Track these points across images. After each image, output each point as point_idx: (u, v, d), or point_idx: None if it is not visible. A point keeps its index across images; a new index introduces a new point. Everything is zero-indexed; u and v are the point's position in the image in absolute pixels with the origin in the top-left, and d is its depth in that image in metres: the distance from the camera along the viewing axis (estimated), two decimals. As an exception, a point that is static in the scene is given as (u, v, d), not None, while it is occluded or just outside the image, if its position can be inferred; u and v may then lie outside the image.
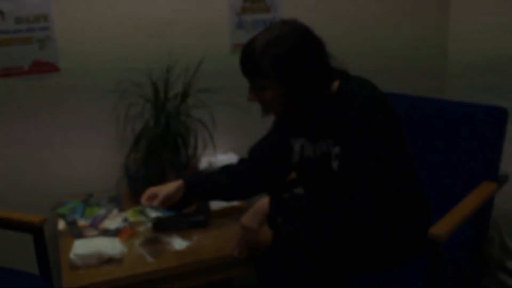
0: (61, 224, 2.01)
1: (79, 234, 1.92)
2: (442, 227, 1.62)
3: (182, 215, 2.01)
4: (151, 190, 1.81)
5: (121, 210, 2.10)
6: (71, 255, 1.74)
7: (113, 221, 2.01)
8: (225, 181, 1.84)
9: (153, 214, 1.84)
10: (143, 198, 1.80)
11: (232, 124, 2.39)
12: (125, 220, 2.02)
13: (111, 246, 1.78)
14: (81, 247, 1.77)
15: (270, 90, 1.59)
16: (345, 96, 1.62)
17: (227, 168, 1.90)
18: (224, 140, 2.36)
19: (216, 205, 2.10)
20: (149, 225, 1.97)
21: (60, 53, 2.13)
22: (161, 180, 2.16)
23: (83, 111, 2.22)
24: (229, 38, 2.30)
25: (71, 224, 2.00)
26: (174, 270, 1.76)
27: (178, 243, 1.86)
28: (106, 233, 1.92)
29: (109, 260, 1.75)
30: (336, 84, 1.65)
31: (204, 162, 2.29)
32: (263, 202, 1.67)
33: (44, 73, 2.14)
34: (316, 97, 1.62)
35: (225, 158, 2.35)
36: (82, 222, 2.01)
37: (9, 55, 2.08)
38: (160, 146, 2.08)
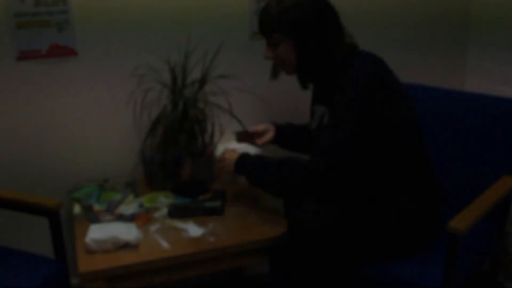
0: (77, 209, 2.01)
1: (95, 218, 1.92)
2: (461, 221, 1.60)
3: (198, 202, 2.01)
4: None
5: (137, 195, 2.10)
6: (87, 239, 1.74)
7: (129, 207, 2.01)
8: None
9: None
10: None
11: (249, 111, 2.37)
12: (141, 205, 2.02)
13: (127, 232, 1.78)
14: (97, 232, 1.77)
15: (283, 44, 1.68)
16: (346, 67, 1.66)
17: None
18: (241, 127, 2.35)
19: (232, 192, 2.10)
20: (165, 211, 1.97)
21: (78, 37, 2.12)
22: (177, 166, 2.17)
23: (100, 96, 2.22)
24: (249, 24, 2.28)
25: (87, 208, 2.00)
26: (189, 257, 1.76)
27: (194, 230, 1.86)
28: (121, 218, 1.93)
29: (125, 246, 1.75)
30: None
31: (220, 149, 2.28)
32: (232, 156, 1.88)
33: (61, 57, 2.13)
34: (324, 59, 1.68)
35: (241, 145, 2.34)
36: (98, 207, 2.01)
37: (27, 38, 2.07)
38: (177, 132, 2.07)
